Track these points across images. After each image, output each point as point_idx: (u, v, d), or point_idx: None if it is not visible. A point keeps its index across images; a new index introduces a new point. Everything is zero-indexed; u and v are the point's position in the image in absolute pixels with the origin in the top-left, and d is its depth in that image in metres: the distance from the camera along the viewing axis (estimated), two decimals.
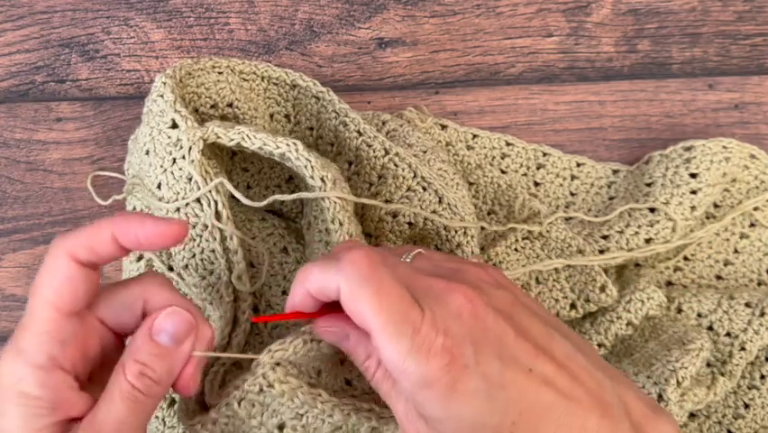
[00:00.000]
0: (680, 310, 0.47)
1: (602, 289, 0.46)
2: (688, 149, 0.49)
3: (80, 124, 0.52)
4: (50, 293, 0.30)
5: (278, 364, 0.35)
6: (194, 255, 0.40)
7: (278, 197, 0.40)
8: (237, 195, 0.39)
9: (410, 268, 0.33)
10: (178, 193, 0.40)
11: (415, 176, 0.44)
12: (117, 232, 0.31)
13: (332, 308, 0.33)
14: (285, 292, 0.45)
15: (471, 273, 0.34)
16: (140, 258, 0.45)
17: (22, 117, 0.52)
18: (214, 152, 0.44)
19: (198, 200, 0.40)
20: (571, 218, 0.50)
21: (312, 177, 0.39)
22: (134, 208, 0.46)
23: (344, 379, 0.41)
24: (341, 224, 0.39)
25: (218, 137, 0.40)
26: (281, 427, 0.35)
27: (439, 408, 0.29)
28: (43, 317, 0.30)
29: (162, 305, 0.32)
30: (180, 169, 0.39)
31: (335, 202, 0.39)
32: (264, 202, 0.40)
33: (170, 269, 0.44)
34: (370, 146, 0.45)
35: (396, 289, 0.30)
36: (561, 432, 0.30)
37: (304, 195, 0.39)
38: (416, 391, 0.29)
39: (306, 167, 0.39)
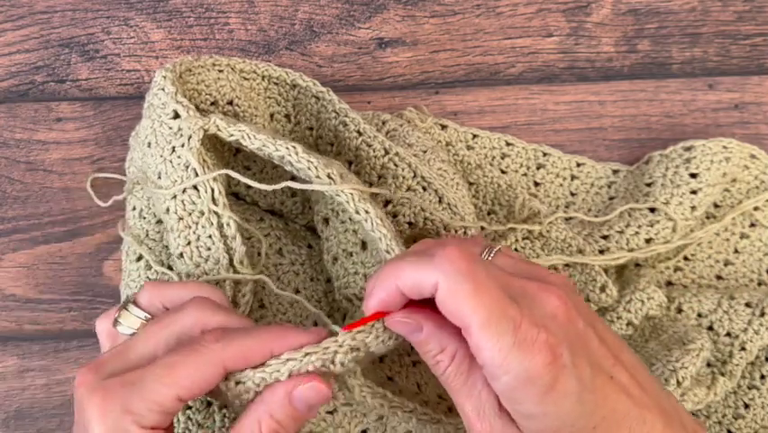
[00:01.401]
0: (680, 310, 0.47)
1: (602, 289, 0.46)
2: (688, 149, 0.49)
3: (80, 124, 0.52)
4: (188, 391, 0.32)
5: (353, 350, 0.34)
6: (189, 243, 0.40)
7: (291, 184, 0.39)
8: (246, 181, 0.39)
9: (497, 267, 0.33)
10: (176, 181, 0.39)
11: (415, 176, 0.44)
12: (275, 345, 0.33)
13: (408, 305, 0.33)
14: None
15: (554, 277, 0.34)
16: (139, 258, 0.45)
17: (22, 117, 0.52)
18: (217, 147, 0.44)
19: (195, 187, 0.39)
20: (571, 218, 0.50)
21: (318, 177, 0.38)
22: (134, 208, 0.46)
23: (386, 375, 0.42)
24: (367, 212, 0.38)
25: (219, 129, 0.39)
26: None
27: (535, 404, 0.30)
28: (166, 402, 0.31)
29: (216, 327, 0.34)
30: (179, 157, 0.39)
31: (351, 194, 0.38)
32: (276, 186, 0.39)
33: (170, 268, 0.44)
34: (369, 146, 0.45)
35: (493, 286, 0.30)
36: None
37: (317, 187, 0.39)
38: (516, 387, 0.30)
39: (308, 168, 0.38)
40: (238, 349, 0.33)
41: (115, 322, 0.36)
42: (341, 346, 0.34)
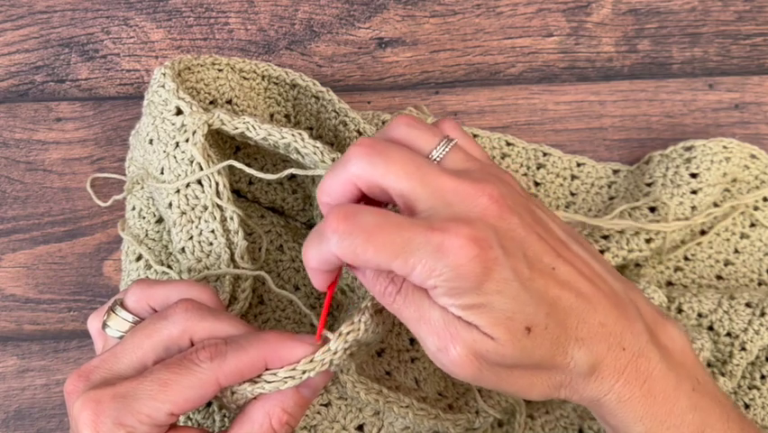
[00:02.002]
0: (680, 310, 0.47)
1: None
2: (688, 149, 0.49)
3: (80, 124, 0.52)
4: (182, 408, 0.32)
5: (351, 354, 0.34)
6: (191, 237, 0.40)
7: (295, 171, 0.39)
8: (249, 171, 0.40)
9: (434, 168, 0.32)
10: (179, 176, 0.40)
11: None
12: (269, 359, 0.33)
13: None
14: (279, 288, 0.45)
15: (494, 176, 0.33)
16: (139, 258, 0.45)
17: (21, 117, 0.52)
18: (218, 144, 0.44)
19: (199, 182, 0.40)
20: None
21: (323, 161, 0.39)
22: (134, 208, 0.46)
23: (384, 370, 0.42)
24: None
25: (223, 123, 0.40)
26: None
27: (476, 295, 0.29)
28: (160, 416, 0.32)
29: (205, 335, 0.34)
30: (183, 152, 0.39)
31: None
32: (279, 174, 0.40)
33: (170, 267, 0.44)
34: None
35: (386, 222, 0.30)
36: (584, 327, 0.31)
37: (322, 172, 0.39)
38: (452, 288, 0.29)
39: (314, 153, 0.39)
40: (233, 367, 0.33)
41: (104, 325, 0.36)
42: (335, 354, 0.34)
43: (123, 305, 0.36)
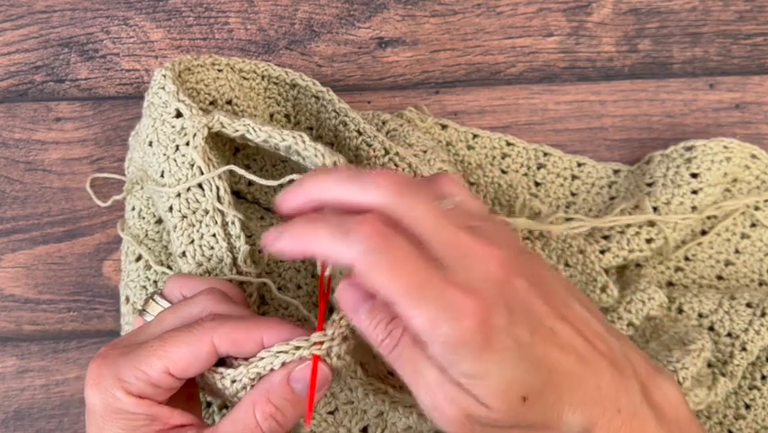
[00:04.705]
0: (681, 311, 0.47)
1: (603, 289, 0.46)
2: (689, 149, 0.49)
3: (79, 124, 0.52)
4: (176, 365, 0.33)
5: (345, 339, 0.34)
6: (192, 241, 0.40)
7: (296, 176, 0.40)
8: (250, 176, 0.40)
9: (442, 217, 0.31)
10: (180, 180, 0.40)
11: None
12: (267, 336, 0.34)
13: None
14: (279, 288, 0.45)
15: (503, 234, 0.33)
16: (139, 258, 0.45)
17: (21, 117, 0.52)
18: (217, 145, 0.44)
19: (200, 186, 0.40)
20: (571, 218, 0.50)
21: (324, 164, 0.39)
22: (133, 208, 0.46)
23: (387, 370, 0.42)
24: None
25: (223, 126, 0.40)
26: None
27: (473, 364, 0.30)
28: (154, 373, 0.33)
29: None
30: (183, 155, 0.39)
31: None
32: (281, 181, 0.40)
33: (170, 268, 0.44)
34: (369, 146, 0.44)
35: (415, 255, 0.30)
36: (580, 392, 0.32)
37: None
38: (450, 351, 0.29)
39: (315, 156, 0.39)
40: (229, 329, 0.33)
41: (142, 312, 0.38)
42: (332, 340, 0.34)
43: (161, 294, 0.38)
